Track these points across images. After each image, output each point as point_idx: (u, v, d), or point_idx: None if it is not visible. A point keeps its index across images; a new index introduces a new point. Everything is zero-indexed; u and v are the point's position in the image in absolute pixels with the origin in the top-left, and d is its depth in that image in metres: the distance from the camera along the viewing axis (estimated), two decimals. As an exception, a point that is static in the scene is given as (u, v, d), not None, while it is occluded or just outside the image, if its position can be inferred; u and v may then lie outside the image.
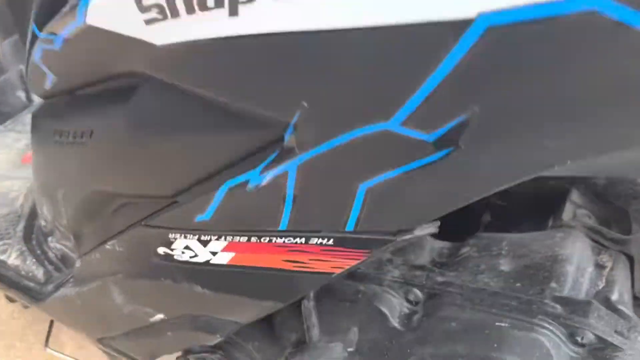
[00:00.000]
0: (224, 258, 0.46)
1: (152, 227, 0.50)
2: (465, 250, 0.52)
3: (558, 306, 0.43)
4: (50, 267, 0.73)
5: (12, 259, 0.75)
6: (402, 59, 0.28)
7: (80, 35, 0.40)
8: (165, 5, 0.33)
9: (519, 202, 0.60)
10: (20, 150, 0.99)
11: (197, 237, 0.47)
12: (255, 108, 0.36)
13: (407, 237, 0.38)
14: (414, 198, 0.36)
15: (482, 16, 0.24)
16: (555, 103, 0.28)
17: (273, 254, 0.43)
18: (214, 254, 0.47)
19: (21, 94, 1.11)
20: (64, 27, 0.42)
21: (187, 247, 0.48)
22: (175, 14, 0.33)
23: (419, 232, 0.38)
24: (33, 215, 0.82)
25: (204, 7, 0.33)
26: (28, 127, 0.99)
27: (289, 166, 0.37)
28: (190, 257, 0.48)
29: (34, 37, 0.48)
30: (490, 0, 0.24)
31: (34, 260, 0.74)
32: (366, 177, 0.36)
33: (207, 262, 0.47)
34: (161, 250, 0.50)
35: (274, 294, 0.44)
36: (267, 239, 0.43)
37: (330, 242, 0.41)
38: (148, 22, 0.35)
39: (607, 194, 0.55)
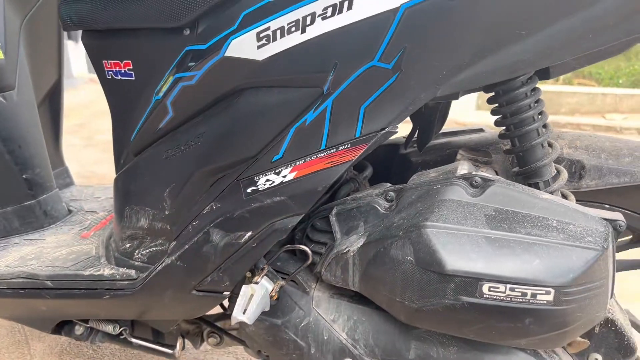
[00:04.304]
0: (290, 176, 0.87)
1: (244, 179, 0.90)
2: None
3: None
4: (138, 267, 1.05)
5: (107, 271, 1.07)
6: (375, 30, 0.76)
7: (216, 66, 0.85)
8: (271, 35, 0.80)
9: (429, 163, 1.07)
10: (77, 234, 1.33)
11: (273, 171, 0.88)
12: (308, 82, 0.82)
13: (383, 132, 0.82)
14: (386, 108, 0.81)
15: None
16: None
17: (319, 163, 0.85)
18: (285, 177, 0.87)
19: (64, 205, 1.46)
20: (205, 66, 0.86)
21: (267, 180, 0.88)
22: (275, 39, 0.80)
23: (390, 129, 0.83)
24: (107, 251, 1.15)
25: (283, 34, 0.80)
26: (75, 225, 1.35)
27: (328, 102, 0.81)
28: (270, 185, 0.88)
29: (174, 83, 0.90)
30: None
31: (125, 267, 1.06)
32: (365, 100, 0.81)
33: (280, 183, 0.87)
34: (250, 189, 0.90)
35: (321, 181, 0.85)
36: (315, 156, 0.85)
37: (349, 145, 0.84)
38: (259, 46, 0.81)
39: (478, 148, 1.03)
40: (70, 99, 5.01)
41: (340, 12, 0.76)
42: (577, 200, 0.93)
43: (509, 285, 0.75)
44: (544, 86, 5.64)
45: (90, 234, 1.30)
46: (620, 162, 0.92)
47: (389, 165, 1.18)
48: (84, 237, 1.29)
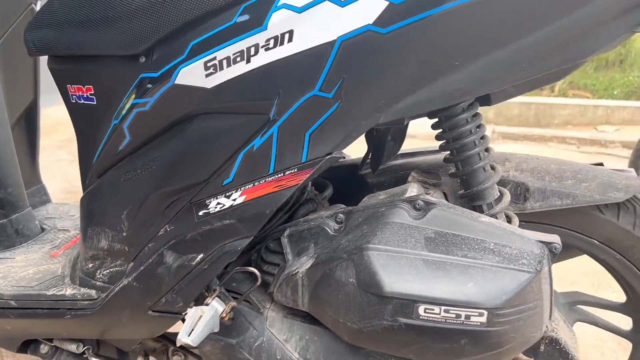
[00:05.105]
0: (240, 200, 0.89)
1: (196, 202, 0.92)
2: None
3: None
4: (99, 287, 1.07)
5: (68, 291, 1.09)
6: (314, 61, 0.79)
7: (167, 93, 0.88)
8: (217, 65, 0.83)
9: (383, 184, 1.10)
10: (46, 252, 1.35)
11: (223, 195, 0.90)
12: (254, 109, 0.85)
13: (328, 157, 0.85)
14: (330, 135, 0.84)
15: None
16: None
17: (267, 187, 0.88)
18: (234, 200, 0.90)
19: (37, 224, 1.49)
20: (156, 93, 0.89)
21: (218, 203, 0.91)
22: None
23: (335, 154, 0.85)
24: (74, 271, 1.17)
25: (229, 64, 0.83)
26: (46, 244, 1.37)
27: (274, 128, 0.84)
28: (221, 208, 0.91)
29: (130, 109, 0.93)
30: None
31: (87, 287, 1.09)
32: (309, 127, 0.84)
33: (230, 206, 0.90)
34: (201, 212, 0.92)
35: (269, 204, 0.87)
36: (264, 180, 0.88)
37: (295, 170, 0.86)
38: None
39: (429, 170, 1.06)
40: (59, 113, 5.04)
41: (282, 44, 0.79)
42: (521, 221, 0.95)
43: (443, 307, 0.78)
44: (538, 98, 5.68)
45: (59, 253, 1.32)
46: (563, 185, 0.95)
47: (348, 185, 1.21)
48: (52, 256, 1.31)
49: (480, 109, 0.95)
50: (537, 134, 4.33)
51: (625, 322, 1.10)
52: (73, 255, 1.28)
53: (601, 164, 1.07)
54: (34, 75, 1.59)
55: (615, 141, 4.10)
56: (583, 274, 2.17)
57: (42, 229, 1.49)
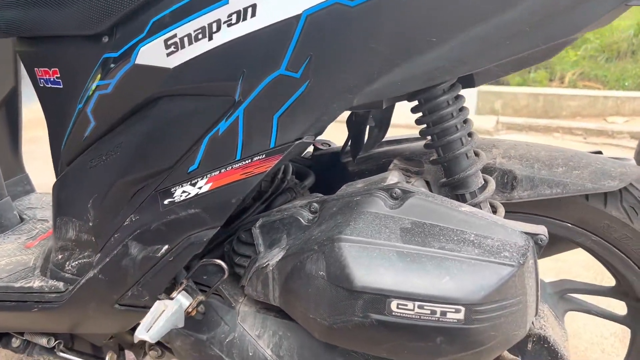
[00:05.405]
0: (206, 188, 0.84)
1: (161, 190, 0.87)
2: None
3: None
4: (68, 280, 1.02)
5: (36, 284, 1.05)
6: (279, 38, 0.73)
7: (128, 74, 0.83)
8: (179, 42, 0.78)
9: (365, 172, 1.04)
10: (22, 243, 1.31)
11: (189, 182, 0.85)
12: (219, 90, 0.79)
13: (298, 142, 0.79)
14: (299, 119, 0.78)
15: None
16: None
17: (234, 174, 0.82)
18: (200, 188, 0.85)
19: (16, 214, 1.44)
20: (117, 74, 0.84)
21: (183, 192, 0.86)
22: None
23: (305, 139, 0.80)
24: (46, 262, 1.13)
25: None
26: (23, 234, 1.33)
27: (239, 111, 0.79)
28: (186, 197, 0.86)
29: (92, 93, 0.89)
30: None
31: (55, 280, 1.04)
32: (277, 110, 0.78)
33: (196, 195, 0.85)
34: (167, 201, 0.87)
35: (236, 193, 0.82)
36: (230, 167, 0.83)
37: (263, 155, 0.81)
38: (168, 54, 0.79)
39: (412, 158, 1.00)
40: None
41: (245, 19, 0.74)
42: (508, 211, 0.89)
43: (417, 303, 0.72)
44: (546, 89, 5.55)
45: (34, 244, 1.28)
46: (553, 173, 0.89)
47: (331, 174, 1.15)
48: (28, 246, 1.27)
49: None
50: (542, 124, 4.24)
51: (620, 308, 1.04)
52: (48, 246, 1.24)
53: (600, 152, 1.01)
54: (14, 61, 1.54)
55: (623, 132, 4.00)
56: (584, 267, 2.11)
57: (22, 219, 1.45)
